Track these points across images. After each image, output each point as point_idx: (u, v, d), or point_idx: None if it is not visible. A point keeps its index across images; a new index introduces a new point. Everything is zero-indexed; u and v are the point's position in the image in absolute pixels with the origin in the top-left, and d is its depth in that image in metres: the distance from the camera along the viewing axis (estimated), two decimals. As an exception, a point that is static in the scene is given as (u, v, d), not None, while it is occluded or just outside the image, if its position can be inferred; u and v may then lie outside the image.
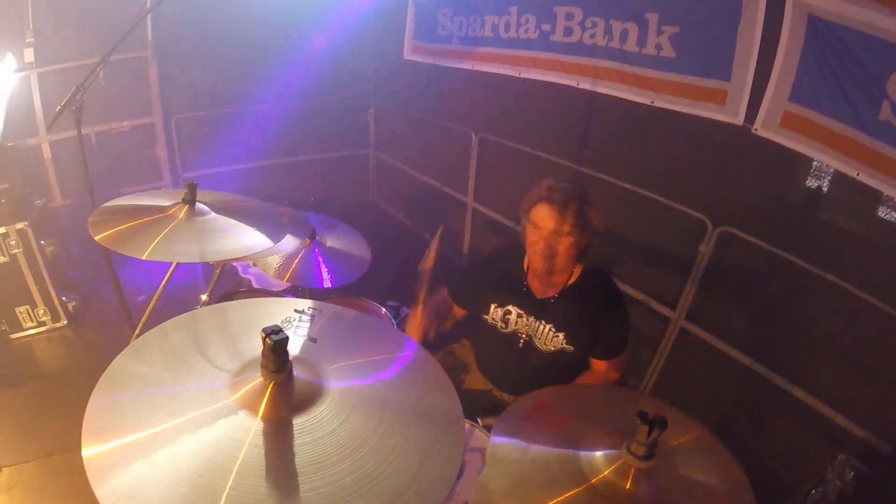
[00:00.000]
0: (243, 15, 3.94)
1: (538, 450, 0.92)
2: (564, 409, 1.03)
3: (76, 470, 2.42)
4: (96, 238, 1.43)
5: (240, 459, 0.71)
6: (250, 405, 0.78)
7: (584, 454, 0.90)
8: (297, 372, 0.82)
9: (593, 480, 0.87)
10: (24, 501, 2.34)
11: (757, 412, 2.39)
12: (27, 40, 3.56)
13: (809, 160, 2.13)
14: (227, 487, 0.68)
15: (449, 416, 0.87)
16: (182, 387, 0.81)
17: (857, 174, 1.94)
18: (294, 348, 0.86)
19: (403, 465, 0.76)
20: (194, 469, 0.70)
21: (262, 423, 0.76)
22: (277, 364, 0.77)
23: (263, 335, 0.75)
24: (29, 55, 3.64)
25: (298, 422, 0.78)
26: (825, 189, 2.21)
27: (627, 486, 0.85)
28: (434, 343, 1.85)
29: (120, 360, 0.84)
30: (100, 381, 0.80)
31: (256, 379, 0.80)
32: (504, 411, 1.01)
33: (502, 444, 0.92)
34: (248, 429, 0.75)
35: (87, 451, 0.71)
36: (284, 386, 0.79)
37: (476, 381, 2.01)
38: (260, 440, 0.74)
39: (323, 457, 0.75)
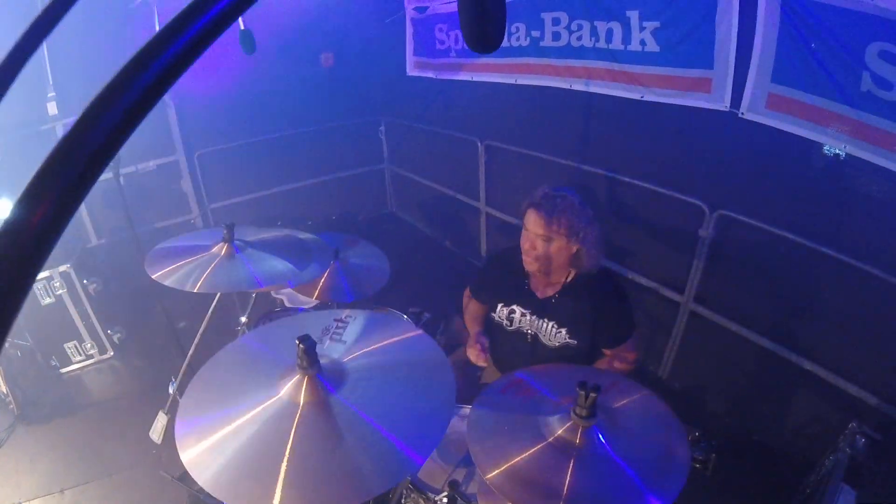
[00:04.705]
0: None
1: (508, 416, 1.29)
2: (533, 384, 1.39)
3: (134, 486, 3.01)
4: (153, 276, 1.88)
5: (292, 432, 1.11)
6: (293, 393, 1.18)
7: (543, 418, 1.27)
8: (325, 365, 1.22)
9: (550, 439, 1.22)
10: (87, 521, 2.61)
11: (771, 387, 2.68)
12: (49, 94, 4.06)
13: (799, 138, 2.32)
14: (287, 450, 1.07)
15: (440, 370, 1.27)
16: (246, 387, 1.23)
17: (845, 147, 2.18)
18: (321, 349, 1.26)
19: (409, 419, 1.15)
20: (260, 442, 1.09)
21: (302, 406, 1.16)
22: (308, 362, 1.17)
23: (298, 342, 1.15)
24: (52, 108, 4.17)
25: (330, 399, 1.18)
26: (818, 165, 2.44)
27: (577, 442, 1.20)
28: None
29: (203, 372, 1.28)
30: (191, 383, 1.23)
31: (295, 375, 1.20)
32: (484, 388, 1.38)
33: (481, 413, 1.30)
34: (294, 410, 1.15)
35: (179, 433, 1.12)
36: (315, 377, 1.19)
37: (492, 375, 2.31)
38: (304, 418, 1.13)
39: (350, 421, 1.14)
